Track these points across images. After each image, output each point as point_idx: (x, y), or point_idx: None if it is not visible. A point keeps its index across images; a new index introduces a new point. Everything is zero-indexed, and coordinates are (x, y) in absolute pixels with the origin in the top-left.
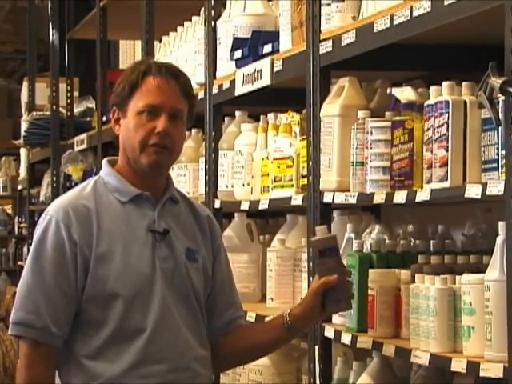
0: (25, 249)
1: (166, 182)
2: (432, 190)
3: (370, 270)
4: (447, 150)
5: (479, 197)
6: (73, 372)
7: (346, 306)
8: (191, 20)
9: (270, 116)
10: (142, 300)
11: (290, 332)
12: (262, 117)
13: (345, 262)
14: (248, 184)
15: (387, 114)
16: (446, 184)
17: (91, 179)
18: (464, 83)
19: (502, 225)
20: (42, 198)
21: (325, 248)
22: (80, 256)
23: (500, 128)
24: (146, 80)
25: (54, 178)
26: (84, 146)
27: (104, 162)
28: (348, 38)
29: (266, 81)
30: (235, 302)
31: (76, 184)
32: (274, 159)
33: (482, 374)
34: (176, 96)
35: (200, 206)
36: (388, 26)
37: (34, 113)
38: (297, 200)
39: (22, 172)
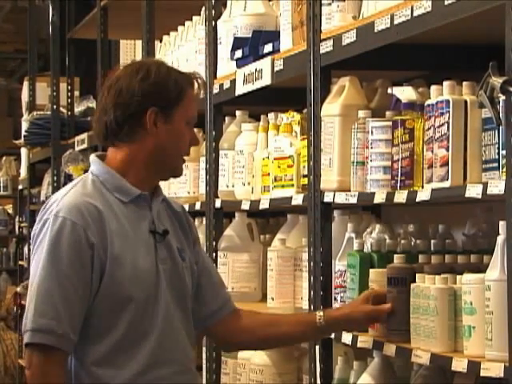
0: (25, 248)
1: None
2: (433, 190)
3: (371, 270)
4: (448, 150)
5: (480, 196)
6: (81, 381)
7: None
8: (192, 20)
9: (271, 116)
10: (151, 303)
11: (321, 332)
12: (262, 116)
13: (345, 262)
14: (249, 184)
15: (388, 113)
16: (447, 184)
17: (85, 177)
18: (464, 83)
19: (502, 224)
20: (42, 198)
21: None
22: (96, 258)
23: (501, 128)
24: (191, 89)
25: (55, 178)
26: (85, 145)
27: (95, 158)
28: (348, 38)
29: (266, 80)
30: (222, 282)
31: None
32: (275, 159)
33: (482, 373)
34: None
35: (174, 201)
36: (388, 25)
37: (35, 112)
38: (297, 200)
39: (23, 172)
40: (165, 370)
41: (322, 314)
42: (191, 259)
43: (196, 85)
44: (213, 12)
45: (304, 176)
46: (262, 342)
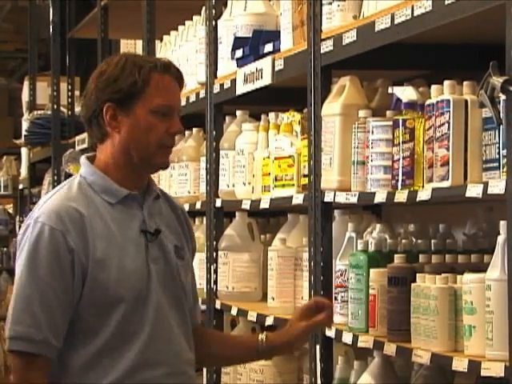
0: None
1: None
2: (433, 190)
3: (371, 270)
4: (448, 150)
5: (480, 196)
6: None
7: None
8: (192, 19)
9: (271, 115)
10: (141, 303)
11: (259, 355)
12: (262, 116)
13: (346, 262)
14: (249, 183)
15: (388, 113)
16: (447, 183)
17: (72, 179)
18: (465, 82)
19: (503, 224)
20: None
21: None
22: (77, 263)
23: (501, 127)
24: (153, 78)
25: (55, 178)
26: (85, 145)
27: (84, 160)
28: (349, 38)
29: (266, 80)
30: (197, 298)
31: None
32: (275, 158)
33: (483, 373)
34: (179, 95)
35: (174, 199)
36: (389, 25)
37: (35, 112)
38: (298, 199)
39: (23, 171)
40: (154, 372)
41: (263, 337)
42: (190, 259)
43: (160, 71)
44: (213, 12)
45: (304, 176)
46: (214, 361)
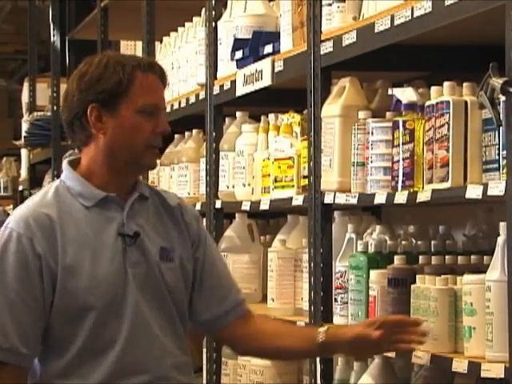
0: None
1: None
2: (433, 191)
3: (371, 271)
4: (448, 151)
5: (480, 197)
6: None
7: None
8: (192, 20)
9: (271, 116)
10: (115, 310)
11: (320, 349)
12: (262, 117)
13: (345, 263)
14: (249, 184)
15: (388, 114)
16: (447, 184)
17: (53, 184)
18: (465, 84)
19: (502, 225)
20: None
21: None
22: (46, 269)
23: (501, 128)
24: (137, 77)
25: (55, 179)
26: None
27: (65, 164)
28: (349, 39)
29: (266, 81)
30: (234, 285)
31: None
32: (275, 160)
33: (483, 374)
34: (164, 94)
35: (170, 195)
36: (389, 26)
37: (35, 113)
38: (298, 200)
39: (23, 173)
40: (133, 380)
41: (324, 329)
42: (185, 260)
43: (143, 69)
44: (213, 13)
45: (304, 177)
46: (268, 353)
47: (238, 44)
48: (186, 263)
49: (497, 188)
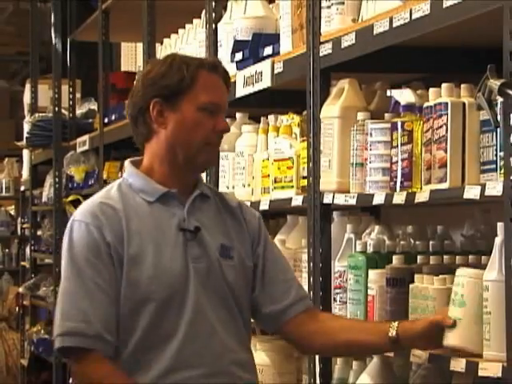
0: (27, 249)
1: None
2: (431, 191)
3: (370, 271)
4: (446, 152)
5: (478, 198)
6: None
7: None
8: (192, 22)
9: (271, 118)
10: (176, 303)
11: (392, 343)
12: (262, 118)
13: (344, 263)
14: (249, 185)
15: (387, 115)
16: (445, 185)
17: (115, 182)
18: (463, 85)
19: (500, 225)
20: (44, 199)
21: None
22: (115, 257)
23: (498, 129)
24: (202, 75)
25: (57, 179)
26: (86, 147)
27: (127, 163)
28: (348, 41)
29: (266, 83)
30: (296, 280)
31: (78, 185)
32: (275, 160)
33: (480, 373)
34: (226, 95)
35: (229, 196)
36: (387, 28)
37: (37, 114)
38: (297, 201)
39: (25, 173)
40: (191, 372)
41: (395, 324)
42: (245, 257)
43: (207, 69)
44: (213, 15)
45: (303, 177)
46: (337, 348)
47: (238, 46)
48: (246, 261)
49: (494, 188)
